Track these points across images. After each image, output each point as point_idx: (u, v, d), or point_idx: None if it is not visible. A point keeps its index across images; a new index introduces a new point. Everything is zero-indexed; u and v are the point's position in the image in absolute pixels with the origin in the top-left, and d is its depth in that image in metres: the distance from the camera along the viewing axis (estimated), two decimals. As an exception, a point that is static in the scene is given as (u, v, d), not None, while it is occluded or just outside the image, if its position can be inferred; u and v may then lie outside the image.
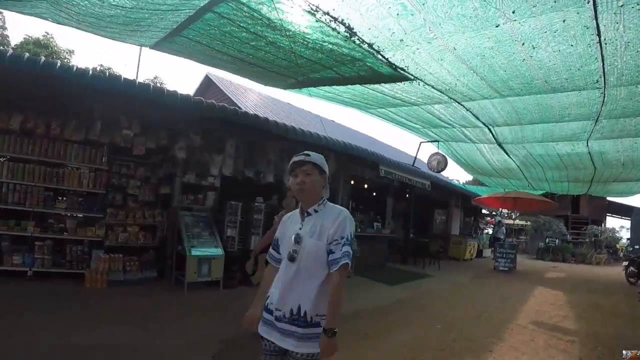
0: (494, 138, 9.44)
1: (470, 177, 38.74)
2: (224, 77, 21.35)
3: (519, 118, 6.98)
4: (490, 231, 28.75)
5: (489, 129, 8.34)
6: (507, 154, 11.60)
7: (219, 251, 8.86)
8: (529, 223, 33.19)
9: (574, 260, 26.31)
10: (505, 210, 39.61)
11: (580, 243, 30.08)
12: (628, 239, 32.14)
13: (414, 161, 14.50)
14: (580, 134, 7.63)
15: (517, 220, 38.59)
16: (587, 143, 8.37)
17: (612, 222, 37.03)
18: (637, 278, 15.14)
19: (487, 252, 24.51)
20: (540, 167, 13.31)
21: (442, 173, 13.52)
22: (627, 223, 36.22)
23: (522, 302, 10.80)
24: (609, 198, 32.65)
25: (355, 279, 11.82)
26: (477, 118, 7.21)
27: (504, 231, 23.08)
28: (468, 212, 25.83)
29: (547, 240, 28.30)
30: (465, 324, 8.10)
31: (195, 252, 8.49)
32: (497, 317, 8.85)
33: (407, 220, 17.53)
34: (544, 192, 18.54)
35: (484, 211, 30.89)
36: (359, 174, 13.70)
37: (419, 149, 13.85)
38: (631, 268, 15.72)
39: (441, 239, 19.95)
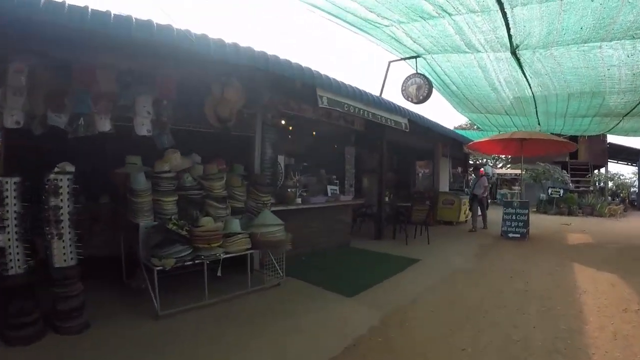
0: (509, 37, 6.43)
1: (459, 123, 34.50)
2: None
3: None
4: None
5: (504, 15, 5.44)
6: (521, 69, 8.32)
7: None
8: (524, 172, 28.94)
9: (581, 212, 22.86)
10: (489, 159, 36.11)
11: (584, 192, 26.29)
12: (635, 186, 28.77)
13: (382, 89, 9.77)
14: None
15: (508, 169, 34.85)
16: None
17: (613, 168, 32.80)
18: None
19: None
20: (565, 93, 10.05)
21: (424, 106, 8.81)
22: (628, 169, 32.78)
23: (575, 313, 6.08)
24: (610, 140, 28.96)
25: (292, 285, 7.04)
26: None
27: (485, 183, 17.26)
28: (456, 164, 21.07)
29: (549, 190, 24.02)
30: None
31: None
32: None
33: (379, 179, 12.54)
34: (551, 134, 14.94)
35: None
36: (291, 110, 8.76)
37: (387, 71, 9.24)
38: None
39: (427, 199, 15.33)
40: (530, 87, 9.92)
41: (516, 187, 30.55)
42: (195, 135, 7.03)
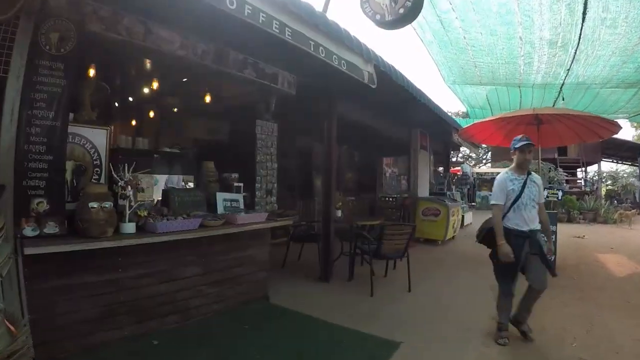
0: None
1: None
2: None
3: None
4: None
5: None
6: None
7: None
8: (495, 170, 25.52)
9: (582, 218, 19.26)
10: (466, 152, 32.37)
11: (581, 194, 22.49)
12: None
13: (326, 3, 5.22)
14: None
15: (486, 167, 31.39)
16: None
17: (606, 166, 28.96)
18: None
19: (468, 217, 15.99)
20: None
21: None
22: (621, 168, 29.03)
23: None
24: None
25: None
26: None
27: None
28: (437, 161, 16.60)
29: (545, 193, 19.67)
30: None
31: None
32: None
33: (326, 180, 7.64)
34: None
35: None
36: (129, 33, 4.09)
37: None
38: None
39: (402, 209, 10.81)
40: (583, 21, 5.97)
41: (497, 190, 27.00)
42: None
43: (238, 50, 5.11)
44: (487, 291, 6.53)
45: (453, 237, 12.05)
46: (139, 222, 4.17)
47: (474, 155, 37.74)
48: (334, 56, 4.54)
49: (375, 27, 4.59)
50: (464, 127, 10.39)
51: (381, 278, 7.14)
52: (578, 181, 26.98)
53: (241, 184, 5.92)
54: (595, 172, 26.49)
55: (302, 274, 7.44)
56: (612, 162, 29.55)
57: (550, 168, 22.38)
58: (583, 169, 27.08)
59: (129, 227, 4.03)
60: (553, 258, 7.97)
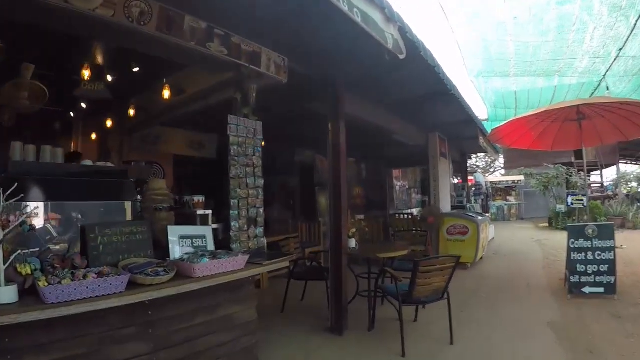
0: None
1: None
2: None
3: None
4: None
5: None
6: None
7: None
8: (521, 178, 25.18)
9: None
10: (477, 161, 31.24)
11: (603, 199, 21.66)
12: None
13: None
14: None
15: (495, 176, 30.88)
16: None
17: (623, 168, 27.74)
18: None
19: (491, 231, 14.10)
20: None
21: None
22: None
23: None
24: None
25: None
26: None
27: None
28: (456, 169, 15.16)
29: (569, 200, 18.16)
30: None
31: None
32: None
33: (334, 202, 5.66)
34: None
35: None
36: None
37: None
38: None
39: (428, 228, 9.39)
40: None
41: (512, 198, 27.11)
42: None
43: (197, 15, 3.46)
44: (546, 333, 4.99)
45: (481, 257, 10.42)
46: (26, 283, 2.44)
47: (481, 164, 36.37)
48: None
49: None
50: (496, 127, 8.81)
51: (410, 323, 5.47)
52: (593, 185, 25.52)
53: (209, 212, 4.15)
54: (618, 173, 25.04)
55: (307, 322, 5.74)
56: (630, 163, 28.11)
57: (572, 172, 20.91)
58: (599, 172, 25.59)
59: (6, 294, 2.30)
60: (615, 278, 6.87)
